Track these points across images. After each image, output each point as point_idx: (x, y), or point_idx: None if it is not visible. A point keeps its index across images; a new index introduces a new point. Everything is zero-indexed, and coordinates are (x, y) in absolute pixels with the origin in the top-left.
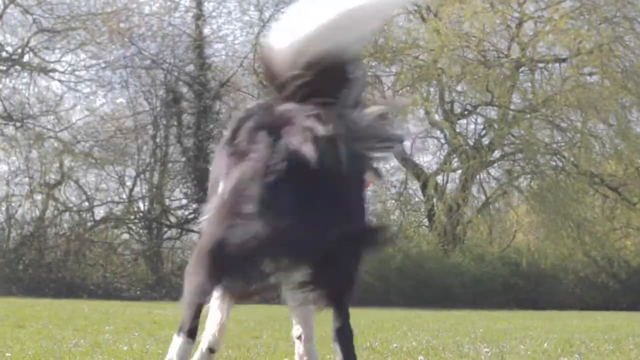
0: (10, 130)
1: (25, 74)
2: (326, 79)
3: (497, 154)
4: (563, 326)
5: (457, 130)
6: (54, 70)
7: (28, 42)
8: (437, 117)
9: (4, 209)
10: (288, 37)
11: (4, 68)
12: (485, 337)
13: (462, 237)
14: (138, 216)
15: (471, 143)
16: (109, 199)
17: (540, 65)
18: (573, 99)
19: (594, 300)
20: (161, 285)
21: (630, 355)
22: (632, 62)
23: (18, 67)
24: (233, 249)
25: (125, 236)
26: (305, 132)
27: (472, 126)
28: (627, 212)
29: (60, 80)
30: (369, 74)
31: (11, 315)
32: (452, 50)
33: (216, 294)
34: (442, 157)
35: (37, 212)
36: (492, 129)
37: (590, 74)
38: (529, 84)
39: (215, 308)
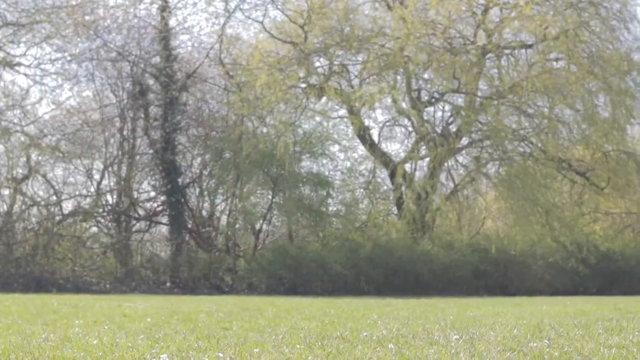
0: None
1: None
2: None
3: (464, 141)
4: (533, 312)
5: (425, 118)
6: (19, 64)
7: None
8: (404, 105)
9: None
10: None
11: None
12: (455, 324)
13: (431, 224)
14: (106, 209)
15: (439, 130)
16: (77, 193)
17: (507, 51)
18: (539, 84)
19: (563, 286)
20: (130, 278)
21: (599, 340)
22: (597, 47)
23: None
24: None
25: (94, 229)
26: None
27: (439, 114)
28: (595, 197)
29: (25, 74)
30: (336, 63)
31: None
32: (419, 38)
33: None
34: (410, 145)
35: (5, 207)
36: (460, 116)
37: (557, 60)
38: (496, 71)
39: None
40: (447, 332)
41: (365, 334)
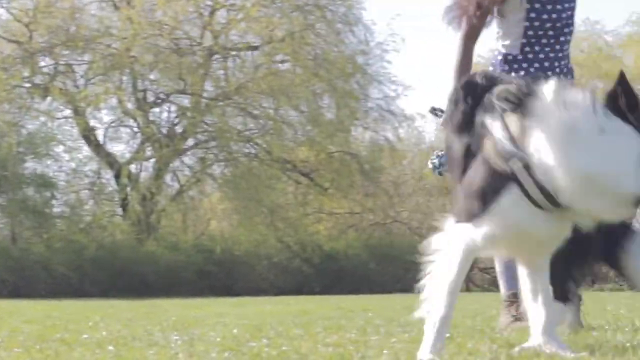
0: None
1: None
2: None
3: (190, 142)
4: (256, 312)
5: (151, 118)
6: None
7: None
8: (129, 105)
9: None
10: None
11: None
12: (177, 325)
13: (156, 225)
14: None
15: (164, 131)
16: None
17: (233, 53)
18: (265, 86)
19: (287, 285)
20: None
21: (317, 338)
22: (323, 50)
23: None
24: None
25: None
26: None
27: (165, 114)
28: (319, 198)
29: None
30: (61, 62)
31: None
32: (145, 39)
33: None
34: (135, 146)
35: None
36: (185, 117)
37: (282, 62)
38: (222, 72)
39: None
40: (167, 332)
41: (85, 336)
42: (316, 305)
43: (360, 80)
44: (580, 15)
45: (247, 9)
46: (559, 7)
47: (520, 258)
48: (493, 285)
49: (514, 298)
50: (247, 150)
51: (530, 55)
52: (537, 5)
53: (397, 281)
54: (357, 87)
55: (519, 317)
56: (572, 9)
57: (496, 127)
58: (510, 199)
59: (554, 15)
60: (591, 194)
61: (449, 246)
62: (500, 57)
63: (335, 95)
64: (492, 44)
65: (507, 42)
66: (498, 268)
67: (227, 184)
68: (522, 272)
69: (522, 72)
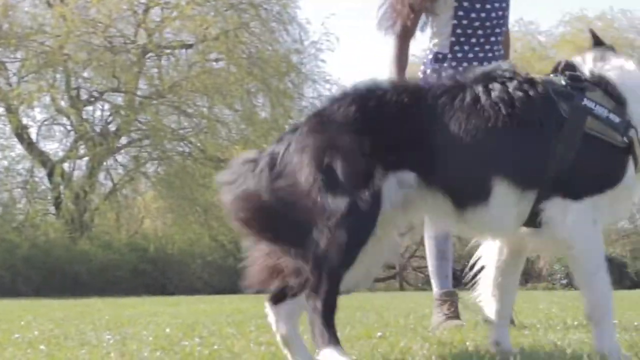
0: None
1: None
2: None
3: (124, 140)
4: (190, 311)
5: (84, 117)
6: None
7: None
8: (63, 104)
9: None
10: None
11: None
12: (110, 324)
13: (89, 224)
14: None
15: (98, 130)
16: None
17: (167, 51)
18: (199, 84)
19: (221, 284)
20: None
21: (250, 337)
22: (257, 48)
23: None
24: None
25: None
26: None
27: (98, 113)
28: None
29: None
30: None
31: None
32: (79, 37)
33: None
34: (68, 144)
35: None
36: (119, 115)
37: (217, 60)
38: (156, 70)
39: None
40: (100, 332)
41: (17, 335)
42: (250, 304)
43: (294, 79)
44: (514, 16)
45: (182, 7)
46: (488, 6)
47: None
48: (427, 285)
49: (446, 297)
50: (181, 149)
51: (459, 55)
52: (465, 4)
53: None
54: (292, 86)
55: (451, 316)
56: (504, 9)
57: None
58: (632, 170)
59: (482, 15)
60: None
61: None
62: (431, 56)
63: (270, 94)
64: (426, 44)
65: (437, 41)
66: (431, 267)
67: (161, 183)
68: (502, 265)
69: (450, 71)
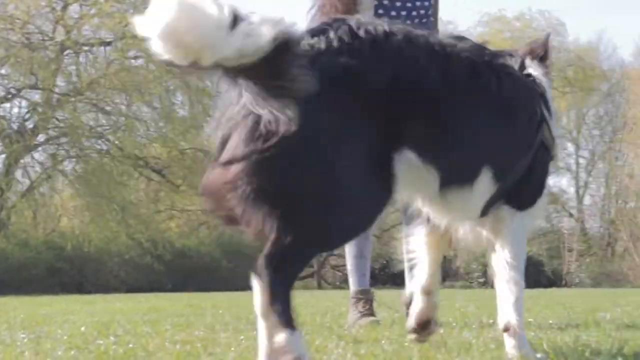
0: None
1: None
2: None
3: (41, 137)
4: (106, 309)
5: (1, 114)
6: None
7: None
8: None
9: None
10: None
11: None
12: (25, 323)
13: (6, 222)
14: None
15: (15, 127)
16: None
17: (86, 48)
18: (118, 82)
19: (138, 283)
20: None
21: (165, 335)
22: None
23: None
24: None
25: None
26: None
27: (15, 110)
28: (171, 195)
29: None
30: None
31: None
32: None
33: None
34: None
35: None
36: (36, 112)
37: (135, 58)
38: (74, 67)
39: None
40: (15, 331)
41: None
42: (167, 302)
43: (213, 78)
44: None
45: (101, 4)
46: (409, 4)
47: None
48: (345, 283)
49: (362, 295)
50: (98, 147)
51: None
52: (385, 2)
53: (248, 279)
54: (211, 84)
55: (366, 313)
56: (426, 7)
57: None
58: None
59: (403, 13)
60: None
61: None
62: None
63: (189, 92)
64: None
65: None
66: (349, 266)
67: (79, 181)
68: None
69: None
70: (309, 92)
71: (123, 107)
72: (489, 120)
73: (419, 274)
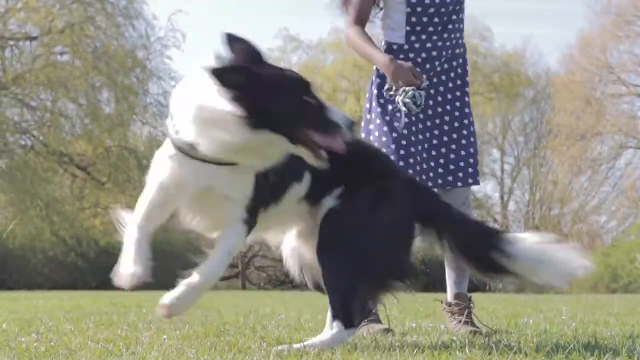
0: None
1: None
2: None
3: None
4: (28, 306)
5: None
6: None
7: None
8: None
9: None
10: None
11: None
12: None
13: None
14: None
15: None
16: None
17: (11, 42)
18: (43, 77)
19: (63, 280)
20: None
21: (87, 333)
22: (102, 43)
23: None
24: None
25: None
26: None
27: None
28: (97, 192)
29: None
30: None
31: None
32: None
33: None
34: None
35: None
36: None
37: (62, 53)
38: None
39: None
40: None
41: None
42: (90, 300)
43: (139, 75)
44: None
45: None
46: None
47: None
48: (269, 284)
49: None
50: (23, 142)
51: (416, 45)
52: None
53: (174, 278)
54: (137, 82)
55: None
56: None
57: None
58: None
59: (437, 0)
60: None
61: None
62: (385, 47)
63: (115, 89)
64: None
65: (391, 31)
66: None
67: (2, 176)
68: None
69: (409, 62)
70: None
71: (48, 103)
72: None
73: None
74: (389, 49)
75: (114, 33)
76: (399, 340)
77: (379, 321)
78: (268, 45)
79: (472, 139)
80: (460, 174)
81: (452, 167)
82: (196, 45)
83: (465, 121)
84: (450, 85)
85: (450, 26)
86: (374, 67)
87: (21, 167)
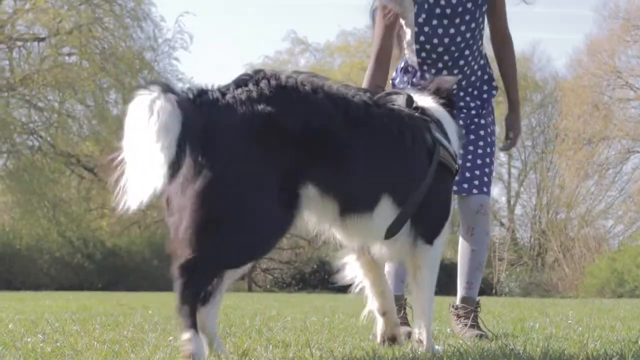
0: None
1: None
2: None
3: None
4: (35, 307)
5: None
6: None
7: None
8: None
9: None
10: None
11: None
12: None
13: None
14: None
15: None
16: None
17: (19, 43)
18: (51, 78)
19: (68, 281)
20: None
21: (93, 334)
22: (110, 44)
23: None
24: None
25: None
26: None
27: None
28: (103, 193)
29: None
30: None
31: None
32: None
33: None
34: None
35: None
36: None
37: (70, 54)
38: (7, 62)
39: None
40: None
41: None
42: (97, 301)
43: (147, 77)
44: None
45: (35, 0)
46: (452, 30)
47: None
48: (275, 286)
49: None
50: (30, 143)
51: (427, 75)
52: (426, 29)
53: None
54: (144, 83)
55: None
56: (472, 30)
57: None
58: None
59: (446, 40)
60: None
61: None
62: (402, 64)
63: (122, 91)
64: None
65: (409, 53)
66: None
67: (10, 177)
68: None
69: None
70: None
71: (56, 104)
72: (380, 154)
73: (369, 297)
74: (406, 69)
75: (122, 34)
76: (406, 344)
77: (407, 324)
78: (276, 47)
79: (488, 150)
80: (476, 182)
81: (467, 174)
82: (204, 47)
83: (482, 132)
84: (467, 108)
85: (461, 61)
86: (395, 68)
87: (28, 168)
